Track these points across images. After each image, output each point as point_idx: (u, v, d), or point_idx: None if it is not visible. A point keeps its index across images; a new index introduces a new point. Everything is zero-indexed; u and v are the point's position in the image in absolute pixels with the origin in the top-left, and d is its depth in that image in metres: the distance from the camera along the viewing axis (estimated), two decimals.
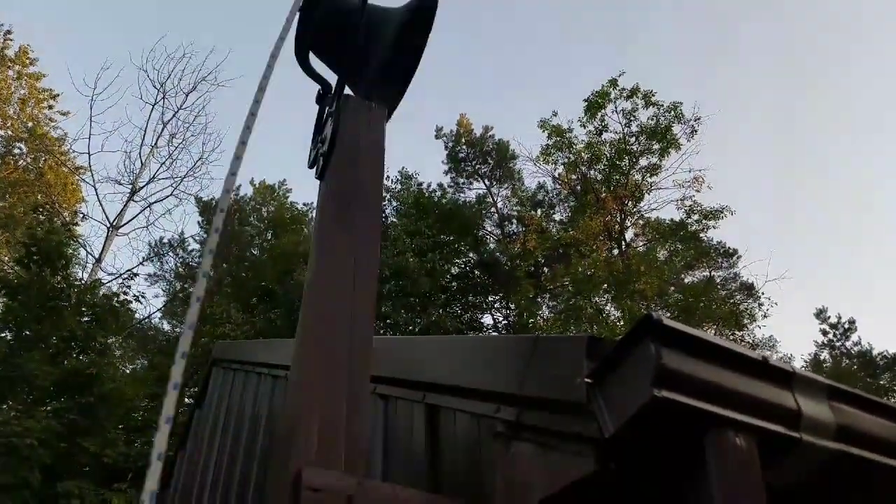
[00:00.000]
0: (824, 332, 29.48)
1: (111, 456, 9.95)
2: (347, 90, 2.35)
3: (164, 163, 19.99)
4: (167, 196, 19.87)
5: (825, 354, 29.12)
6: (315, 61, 2.53)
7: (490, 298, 22.78)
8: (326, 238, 1.99)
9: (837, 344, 28.99)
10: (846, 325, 29.03)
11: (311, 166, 2.53)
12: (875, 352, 27.43)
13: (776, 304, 21.93)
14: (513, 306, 22.16)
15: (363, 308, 1.84)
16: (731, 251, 23.78)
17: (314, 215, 2.22)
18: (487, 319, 22.84)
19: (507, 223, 26.39)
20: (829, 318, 29.56)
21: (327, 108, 2.42)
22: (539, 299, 23.34)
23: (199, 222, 24.48)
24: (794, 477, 1.44)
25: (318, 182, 2.37)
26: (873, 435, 1.50)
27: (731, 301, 21.18)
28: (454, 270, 22.14)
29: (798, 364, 28.41)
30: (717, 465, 1.30)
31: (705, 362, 1.38)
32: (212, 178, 21.05)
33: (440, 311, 19.87)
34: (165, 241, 23.39)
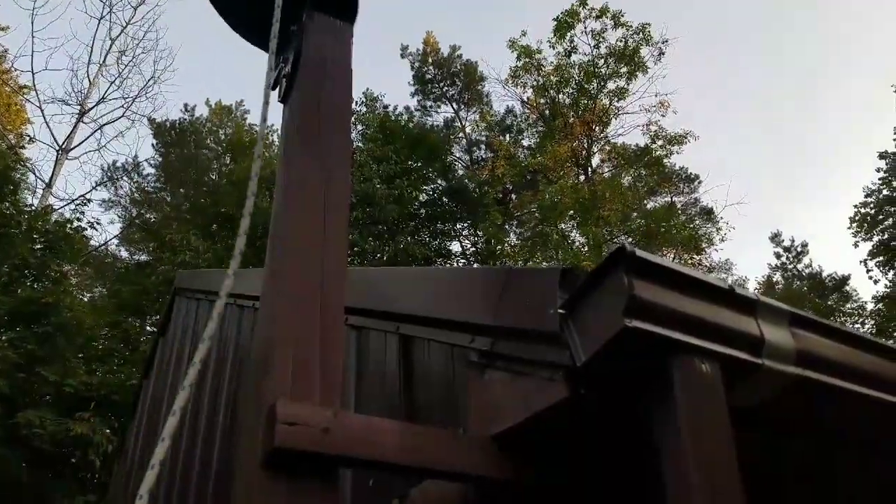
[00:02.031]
0: (778, 255, 30.68)
1: (72, 385, 9.89)
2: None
3: (113, 82, 18.98)
4: (119, 118, 18.98)
5: (778, 276, 30.41)
6: None
7: (458, 226, 22.83)
8: (293, 164, 1.91)
9: (790, 266, 30.25)
10: (799, 249, 30.23)
11: (272, 87, 2.41)
12: (825, 274, 28.74)
13: (734, 228, 22.60)
14: (480, 233, 22.28)
15: (335, 237, 1.79)
16: (692, 176, 24.17)
17: (279, 139, 2.13)
18: (456, 247, 22.99)
19: (475, 149, 26.14)
20: (783, 241, 30.70)
21: (291, 27, 2.28)
22: (507, 226, 23.52)
23: (153, 145, 23.58)
24: (756, 400, 1.51)
25: (279, 103, 2.27)
26: (831, 360, 1.56)
27: (691, 226, 21.68)
28: (422, 197, 21.99)
29: (752, 286, 29.64)
30: (682, 390, 1.34)
31: (675, 292, 1.41)
32: (165, 98, 20.10)
33: (408, 238, 19.86)
34: (119, 164, 22.54)
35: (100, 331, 13.34)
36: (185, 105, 24.21)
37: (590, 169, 23.09)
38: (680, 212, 22.88)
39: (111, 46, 18.79)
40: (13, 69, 18.82)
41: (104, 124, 18.63)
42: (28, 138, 17.56)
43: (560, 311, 1.46)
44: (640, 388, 1.41)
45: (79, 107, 18.07)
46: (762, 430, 1.64)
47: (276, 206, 1.94)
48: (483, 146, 26.11)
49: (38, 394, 10.00)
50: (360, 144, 21.40)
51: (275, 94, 2.29)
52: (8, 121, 18.45)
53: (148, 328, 15.70)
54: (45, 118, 19.42)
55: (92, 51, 18.47)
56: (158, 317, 13.64)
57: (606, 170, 23.62)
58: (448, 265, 22.69)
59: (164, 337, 5.61)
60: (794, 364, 1.50)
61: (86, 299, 17.64)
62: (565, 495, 1.63)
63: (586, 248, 20.33)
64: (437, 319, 1.94)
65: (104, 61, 18.69)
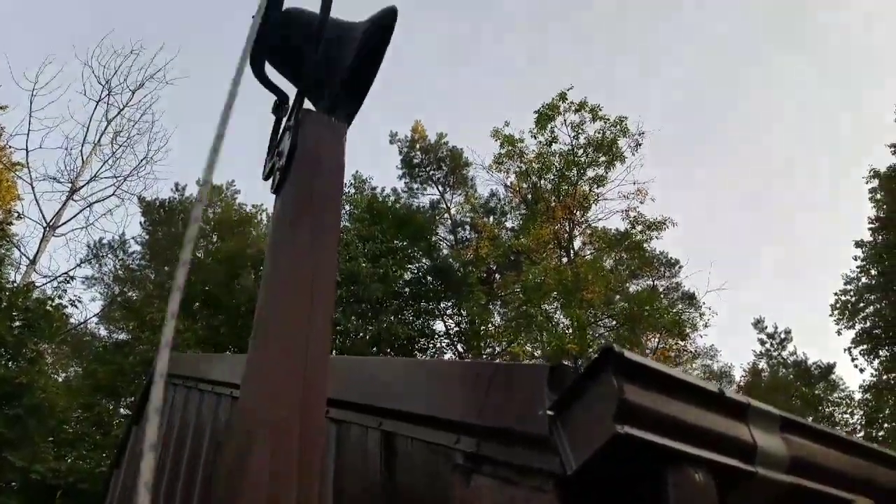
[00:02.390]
0: (762, 342, 30.77)
1: (39, 472, 9.42)
2: (306, 103, 2.29)
3: (106, 161, 19.23)
4: (109, 196, 19.12)
5: (763, 363, 30.36)
6: (271, 71, 2.46)
7: (442, 305, 22.79)
8: (282, 254, 1.92)
9: (774, 353, 30.27)
10: (782, 335, 30.36)
11: (266, 178, 2.46)
12: (810, 361, 28.75)
13: (716, 313, 22.73)
14: (465, 313, 22.22)
15: (320, 324, 1.77)
16: (673, 261, 24.58)
17: (268, 229, 2.15)
18: (440, 326, 22.85)
19: (460, 229, 26.52)
20: (765, 327, 30.88)
21: (284, 120, 2.35)
22: (491, 306, 23.51)
23: (141, 223, 23.63)
24: None
25: (272, 194, 2.31)
26: (824, 466, 1.53)
27: (675, 310, 21.81)
28: (407, 276, 22.05)
29: (737, 373, 29.50)
30: (676, 499, 1.30)
31: (665, 396, 1.39)
32: (156, 177, 20.33)
33: (392, 317, 19.75)
34: (105, 241, 22.45)
35: (72, 413, 12.86)
36: (176, 184, 24.53)
37: (572, 251, 23.45)
38: (662, 296, 23.09)
39: (107, 127, 19.20)
40: (8, 146, 19.08)
41: (94, 202, 18.73)
42: (17, 214, 17.55)
43: (549, 412, 1.43)
44: (632, 497, 1.37)
45: (70, 185, 18.22)
46: None
47: (261, 295, 1.93)
48: (468, 227, 26.53)
49: (4, 479, 9.48)
50: (347, 224, 21.64)
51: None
52: None
53: (122, 410, 15.18)
54: (35, 195, 19.47)
55: (87, 131, 18.79)
56: (133, 398, 13.21)
57: (588, 252, 24.00)
58: (432, 345, 22.46)
59: (137, 425, 5.39)
60: (787, 472, 1.47)
61: (60, 379, 17.09)
62: None
63: (570, 330, 20.29)
64: (421, 416, 1.89)
65: (99, 141, 19.03)
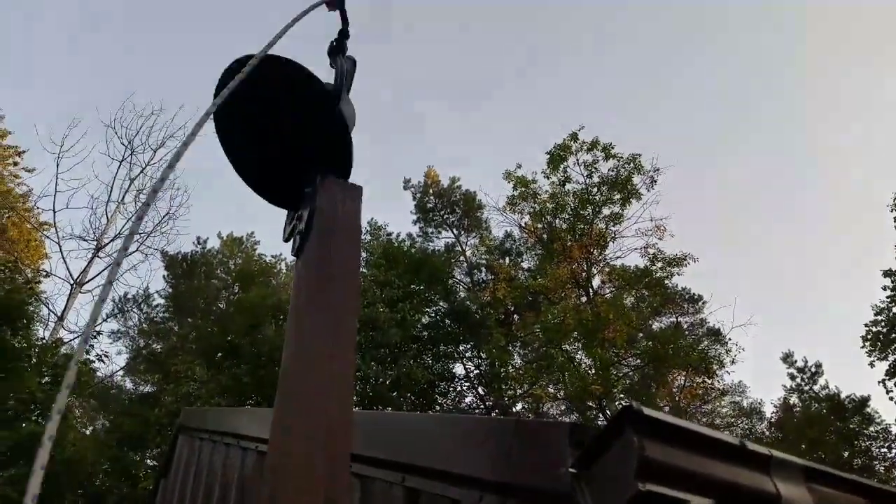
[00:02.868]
0: (792, 377, 29.97)
1: None
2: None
3: (130, 219, 19.73)
4: (132, 252, 19.54)
5: (794, 398, 29.53)
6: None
7: (461, 348, 22.64)
8: (303, 317, 1.99)
9: (805, 388, 29.45)
10: (813, 369, 29.56)
11: (286, 241, 2.55)
12: (843, 395, 27.91)
13: (743, 349, 22.28)
14: (484, 355, 22.04)
15: (342, 383, 1.82)
16: (696, 297, 24.26)
17: (290, 293, 2.22)
18: (459, 369, 22.66)
19: (476, 271, 26.53)
20: (795, 361, 30.12)
21: (306, 189, 2.45)
22: (510, 347, 23.30)
23: (164, 276, 24.01)
24: None
25: (293, 256, 2.39)
26: None
27: (700, 347, 21.44)
28: (425, 320, 22.01)
29: (768, 408, 28.72)
30: None
31: (686, 451, 1.40)
32: (178, 232, 20.78)
33: (411, 361, 19.64)
34: (130, 296, 22.84)
35: (101, 466, 12.89)
36: (198, 238, 25.00)
37: (591, 290, 23.28)
38: (687, 332, 22.73)
39: (130, 186, 19.76)
40: (36, 207, 19.70)
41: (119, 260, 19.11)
42: (45, 273, 18.00)
43: (571, 469, 1.45)
44: None
45: (95, 242, 18.68)
46: None
47: (285, 359, 1.99)
48: (484, 269, 26.54)
49: None
50: (364, 270, 21.79)
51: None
52: (27, 256, 19.04)
53: (148, 461, 15.17)
54: (62, 253, 20.00)
55: (112, 190, 19.40)
56: (159, 449, 13.20)
57: (608, 291, 23.80)
58: (452, 388, 22.22)
59: (165, 478, 5.41)
60: None
61: (87, 432, 17.17)
62: None
63: (593, 370, 20.01)
64: (444, 472, 1.91)
65: (122, 200, 19.58)
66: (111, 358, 18.95)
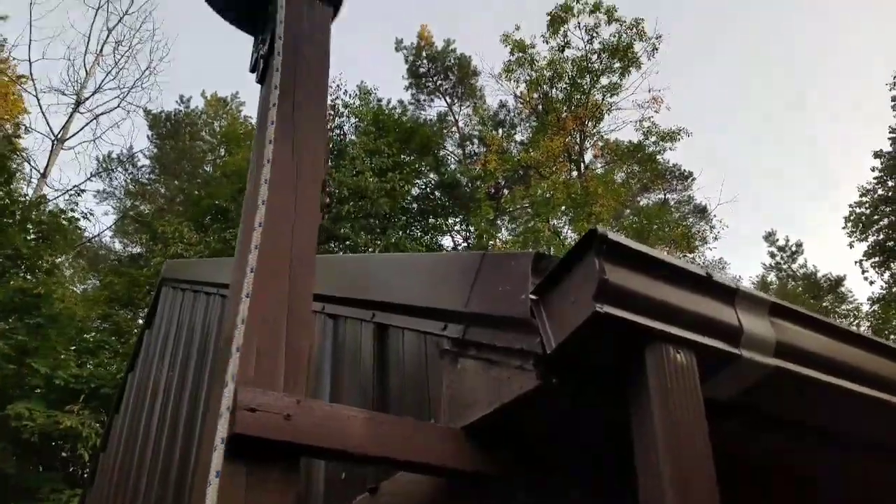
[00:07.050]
0: (772, 255, 30.73)
1: (63, 377, 9.81)
2: None
3: (109, 72, 18.87)
4: (114, 108, 18.88)
5: (772, 276, 30.48)
6: None
7: (450, 220, 22.77)
8: (267, 144, 1.87)
9: (784, 266, 30.31)
10: (793, 248, 30.27)
11: (252, 70, 2.38)
12: (819, 274, 28.79)
13: (727, 226, 22.60)
14: (472, 228, 22.23)
15: (305, 216, 1.75)
16: (686, 174, 24.17)
17: (255, 121, 2.09)
18: (447, 241, 22.94)
19: (468, 143, 26.07)
20: (777, 241, 30.75)
21: (269, 8, 2.24)
22: (498, 221, 23.47)
23: (148, 136, 23.45)
24: (733, 391, 1.47)
25: (257, 83, 2.23)
26: (812, 352, 1.52)
27: (684, 223, 21.70)
28: (414, 191, 21.90)
29: (746, 285, 29.69)
30: (655, 379, 1.30)
31: (649, 277, 1.36)
32: (160, 88, 19.98)
33: (400, 232, 19.79)
34: (114, 156, 22.38)
35: (91, 323, 13.25)
36: (181, 96, 24.08)
37: (582, 165, 23.08)
38: (673, 209, 22.90)
39: (108, 36, 18.68)
40: (11, 58, 18.68)
41: (100, 114, 18.53)
42: (24, 128, 17.45)
43: (532, 296, 1.42)
44: (613, 376, 1.37)
45: (75, 97, 17.97)
46: (739, 423, 1.60)
47: (249, 186, 1.90)
48: (476, 140, 26.05)
49: (29, 385, 9.91)
50: (353, 138, 21.31)
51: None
52: (5, 110, 18.30)
53: (139, 320, 15.61)
54: (41, 108, 19.27)
55: (89, 41, 18.35)
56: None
57: (599, 166, 23.62)
58: None
59: (149, 329, 5.54)
60: (774, 355, 1.46)
61: (79, 291, 17.53)
62: (538, 487, 1.59)
63: None
64: (411, 307, 1.90)
65: (101, 51, 18.59)
66: (98, 218, 18.94)
